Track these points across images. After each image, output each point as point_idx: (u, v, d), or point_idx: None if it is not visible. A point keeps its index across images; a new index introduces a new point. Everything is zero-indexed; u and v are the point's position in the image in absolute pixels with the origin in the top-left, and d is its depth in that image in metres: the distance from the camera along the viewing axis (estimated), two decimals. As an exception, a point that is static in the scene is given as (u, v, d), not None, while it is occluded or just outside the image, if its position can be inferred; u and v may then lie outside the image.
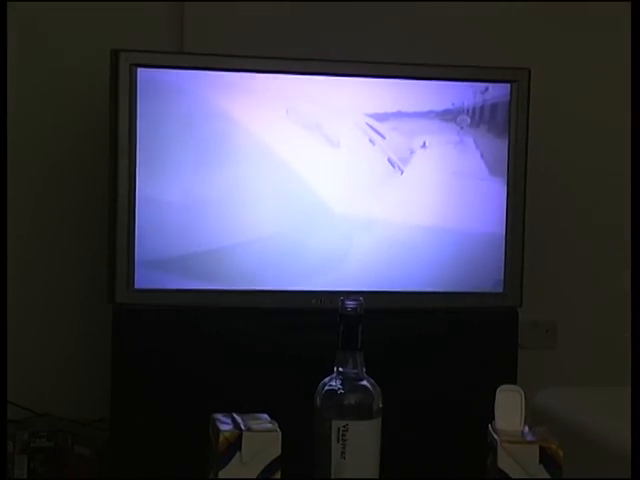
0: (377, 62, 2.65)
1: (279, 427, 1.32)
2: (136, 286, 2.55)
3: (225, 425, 1.31)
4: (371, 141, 2.65)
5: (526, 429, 1.34)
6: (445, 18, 3.03)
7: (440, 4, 3.02)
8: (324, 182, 2.64)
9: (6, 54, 2.68)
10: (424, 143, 2.66)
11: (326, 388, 1.38)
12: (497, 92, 2.68)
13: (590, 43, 3.12)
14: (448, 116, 2.66)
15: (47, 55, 2.91)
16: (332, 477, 1.35)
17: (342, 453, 1.35)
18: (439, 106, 2.66)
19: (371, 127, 2.64)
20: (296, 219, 2.63)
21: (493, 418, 1.35)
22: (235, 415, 1.35)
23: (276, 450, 1.30)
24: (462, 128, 2.67)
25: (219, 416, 1.35)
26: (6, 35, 2.61)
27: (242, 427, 1.31)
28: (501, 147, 2.69)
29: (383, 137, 2.64)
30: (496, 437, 1.32)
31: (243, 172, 2.60)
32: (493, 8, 3.05)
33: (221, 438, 1.29)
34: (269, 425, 1.32)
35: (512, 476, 1.30)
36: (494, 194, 2.70)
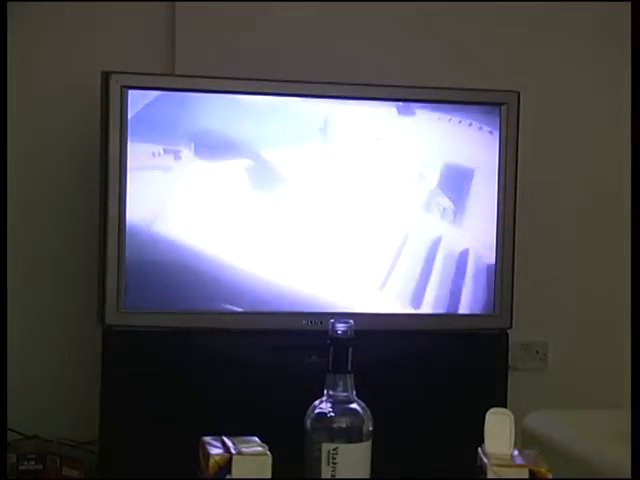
0: (365, 84, 2.66)
1: (269, 450, 1.31)
2: (126, 308, 2.55)
3: (215, 448, 1.31)
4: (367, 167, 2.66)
5: (515, 452, 1.34)
6: (435, 40, 3.04)
7: (429, 26, 3.03)
8: (315, 200, 2.65)
9: (6, 54, 2.67)
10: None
11: (316, 411, 1.37)
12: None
13: (579, 67, 3.14)
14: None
15: (39, 77, 2.92)
16: (322, 500, 1.35)
17: (332, 476, 1.34)
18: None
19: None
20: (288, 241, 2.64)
21: (483, 441, 1.35)
22: (225, 438, 1.34)
23: (266, 473, 1.29)
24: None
25: (209, 439, 1.34)
26: (6, 35, 2.60)
27: (232, 450, 1.30)
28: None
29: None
30: (485, 460, 1.31)
31: (233, 192, 2.61)
32: (483, 31, 3.06)
33: (211, 462, 1.28)
34: (259, 448, 1.31)
35: (502, 499, 1.29)
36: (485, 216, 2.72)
